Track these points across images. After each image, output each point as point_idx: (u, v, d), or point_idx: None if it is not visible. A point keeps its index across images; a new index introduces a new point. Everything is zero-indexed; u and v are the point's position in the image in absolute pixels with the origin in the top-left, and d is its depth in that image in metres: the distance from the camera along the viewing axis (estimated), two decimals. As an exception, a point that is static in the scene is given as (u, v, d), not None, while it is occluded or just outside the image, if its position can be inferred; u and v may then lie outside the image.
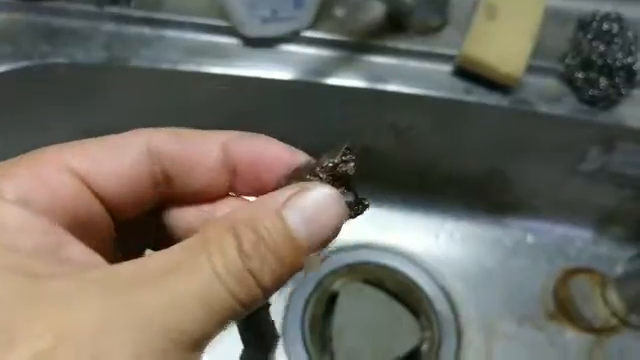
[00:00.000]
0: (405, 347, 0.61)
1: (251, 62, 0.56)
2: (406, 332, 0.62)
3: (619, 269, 0.62)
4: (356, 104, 0.58)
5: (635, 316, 0.61)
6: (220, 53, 0.56)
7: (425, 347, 0.62)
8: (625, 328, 0.62)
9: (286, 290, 0.64)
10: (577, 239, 0.68)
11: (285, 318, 0.62)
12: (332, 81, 0.57)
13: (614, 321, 0.63)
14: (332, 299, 0.64)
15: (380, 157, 0.63)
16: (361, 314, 0.63)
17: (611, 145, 0.55)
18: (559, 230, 0.68)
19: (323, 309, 0.64)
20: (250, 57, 0.57)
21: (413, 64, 0.57)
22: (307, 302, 0.64)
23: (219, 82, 0.57)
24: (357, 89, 0.57)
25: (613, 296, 0.63)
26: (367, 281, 0.66)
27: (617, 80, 0.50)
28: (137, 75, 0.56)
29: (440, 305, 0.64)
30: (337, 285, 0.66)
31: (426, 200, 0.68)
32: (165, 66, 0.56)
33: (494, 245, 0.68)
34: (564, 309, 0.64)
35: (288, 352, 0.60)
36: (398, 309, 0.63)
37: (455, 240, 0.68)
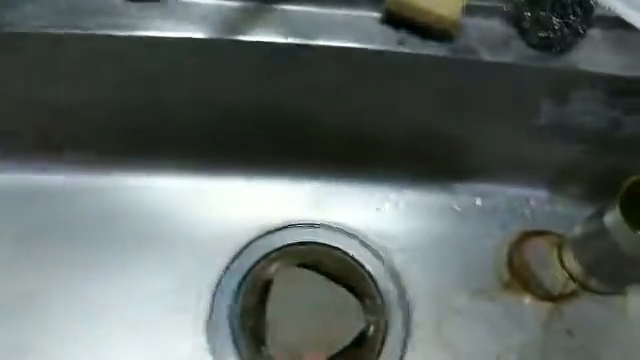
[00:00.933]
0: (350, 334, 0.54)
1: (142, 20, 0.46)
2: (350, 317, 0.55)
3: (577, 230, 0.57)
4: (274, 62, 0.49)
5: (595, 280, 0.57)
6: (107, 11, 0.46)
7: (371, 331, 0.56)
8: (584, 293, 0.58)
9: (209, 281, 0.56)
10: (531, 199, 0.62)
11: (210, 314, 0.55)
12: (244, 37, 0.47)
13: (573, 286, 0.58)
14: (265, 288, 0.57)
15: (307, 123, 0.55)
16: (298, 302, 0.55)
17: (566, 94, 0.48)
18: (511, 191, 0.62)
19: (255, 300, 0.57)
20: (141, 14, 0.47)
21: (336, 13, 0.48)
22: (236, 294, 0.56)
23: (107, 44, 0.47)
24: (274, 45, 0.48)
25: (571, 259, 0.57)
26: (303, 264, 0.58)
27: (572, 18, 0.43)
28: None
29: (385, 284, 0.58)
30: (269, 272, 0.58)
31: (364, 169, 0.61)
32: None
33: (442, 213, 0.61)
34: (520, 276, 0.58)
35: (216, 353, 0.53)
36: (340, 292, 0.56)
37: (399, 211, 0.61)
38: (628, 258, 0.50)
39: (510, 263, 0.59)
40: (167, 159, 0.60)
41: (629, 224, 0.48)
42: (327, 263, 0.59)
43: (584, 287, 0.58)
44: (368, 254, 0.59)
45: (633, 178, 0.49)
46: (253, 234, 0.59)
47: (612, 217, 0.50)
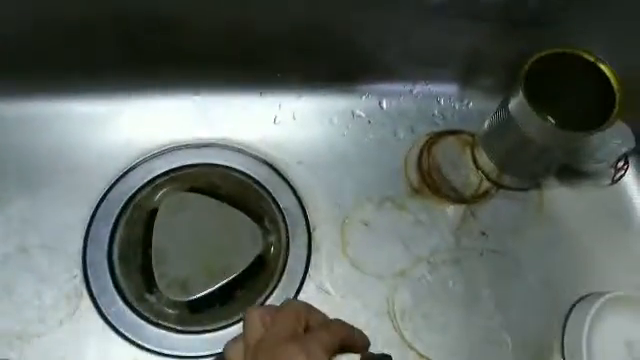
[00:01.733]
0: (245, 260, 0.49)
1: None
2: (246, 242, 0.50)
3: (486, 124, 0.52)
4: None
5: (508, 176, 0.52)
6: None
7: (271, 253, 0.51)
8: (498, 192, 0.54)
9: (84, 213, 0.50)
10: (440, 97, 0.57)
11: (84, 250, 0.48)
12: None
13: (486, 185, 0.54)
14: (151, 218, 0.51)
15: (180, 30, 0.47)
16: (188, 229, 0.50)
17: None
18: (418, 89, 0.56)
19: (140, 232, 0.51)
20: None
21: None
22: (115, 225, 0.50)
23: None
24: None
25: (484, 157, 0.53)
26: (194, 189, 0.53)
27: None
28: None
29: (285, 201, 0.53)
30: (155, 199, 0.52)
31: (255, 78, 0.54)
32: None
33: (344, 119, 0.55)
34: (430, 181, 0.54)
35: (93, 294, 0.47)
36: (235, 216, 0.51)
37: (297, 121, 0.55)
38: (539, 147, 0.46)
39: (420, 167, 0.54)
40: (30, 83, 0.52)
41: (533, 108, 0.43)
42: (221, 185, 0.53)
43: (498, 185, 0.54)
44: (265, 171, 0.53)
45: (534, 57, 0.44)
46: (133, 158, 0.52)
47: (516, 103, 0.45)
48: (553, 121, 0.44)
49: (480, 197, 0.54)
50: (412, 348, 0.47)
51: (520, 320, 0.49)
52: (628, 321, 0.48)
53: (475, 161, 0.55)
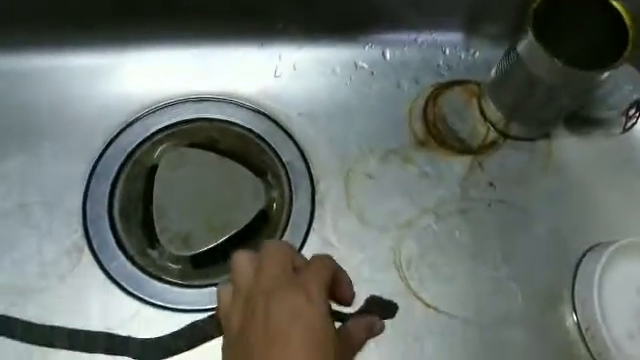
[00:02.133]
0: (248, 215, 0.48)
1: None
2: (248, 197, 0.49)
3: (494, 71, 0.50)
4: None
5: (516, 124, 0.51)
6: None
7: (274, 208, 0.50)
8: (506, 142, 0.52)
9: (82, 170, 0.49)
10: (445, 46, 0.55)
11: (84, 206, 0.48)
12: None
13: (493, 135, 0.53)
14: (151, 173, 0.50)
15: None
16: (189, 185, 0.49)
17: None
18: (422, 38, 0.55)
19: (140, 188, 0.50)
20: None
21: None
22: (114, 181, 0.49)
23: None
24: None
25: (491, 106, 0.52)
26: (194, 144, 0.51)
27: None
28: None
29: (288, 155, 0.51)
30: (155, 155, 0.51)
31: (254, 29, 0.52)
32: None
33: (346, 70, 0.54)
34: (436, 132, 0.53)
35: (94, 249, 0.47)
36: (236, 171, 0.50)
37: (298, 73, 0.54)
38: (548, 90, 0.45)
39: (425, 119, 0.53)
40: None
41: (542, 46, 0.42)
42: (221, 140, 0.52)
43: (505, 135, 0.52)
44: (266, 124, 0.52)
45: (543, -6, 0.42)
46: (131, 113, 0.51)
47: (525, 44, 0.44)
48: (563, 60, 0.42)
49: (487, 148, 0.52)
50: (418, 298, 0.47)
51: (529, 270, 0.48)
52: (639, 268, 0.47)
53: (482, 111, 0.53)
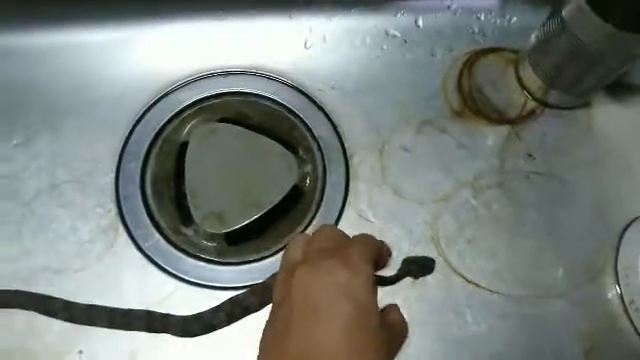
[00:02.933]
0: (280, 191, 0.47)
1: None
2: (280, 172, 0.48)
3: (533, 38, 0.48)
4: None
5: (556, 92, 0.49)
6: None
7: (307, 184, 0.49)
8: (545, 111, 0.51)
9: (113, 148, 0.48)
10: (479, 12, 0.53)
11: (117, 184, 0.47)
12: None
13: (532, 104, 0.51)
14: (181, 150, 0.49)
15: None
16: (220, 161, 0.48)
17: None
18: (456, 4, 0.52)
19: (171, 166, 0.49)
20: None
21: None
22: (145, 159, 0.48)
23: None
24: None
25: (529, 74, 0.50)
26: (224, 120, 0.50)
27: None
28: None
29: (320, 129, 0.50)
30: (184, 131, 0.50)
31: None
32: None
33: (378, 40, 0.52)
34: (472, 102, 0.51)
35: (129, 228, 0.46)
36: (268, 146, 0.48)
37: (328, 44, 0.52)
38: (594, 56, 0.43)
39: (460, 88, 0.51)
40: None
41: (592, 9, 0.40)
42: (252, 115, 0.51)
43: (544, 104, 0.51)
44: (298, 98, 0.51)
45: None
46: (159, 90, 0.50)
47: (573, 8, 0.42)
48: (613, 24, 0.40)
49: (525, 118, 0.51)
50: (458, 274, 0.46)
51: (570, 244, 0.47)
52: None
53: (519, 79, 0.51)
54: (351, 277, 0.30)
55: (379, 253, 0.34)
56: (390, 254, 0.36)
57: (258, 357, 0.30)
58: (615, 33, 0.40)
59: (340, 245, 0.33)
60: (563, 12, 0.43)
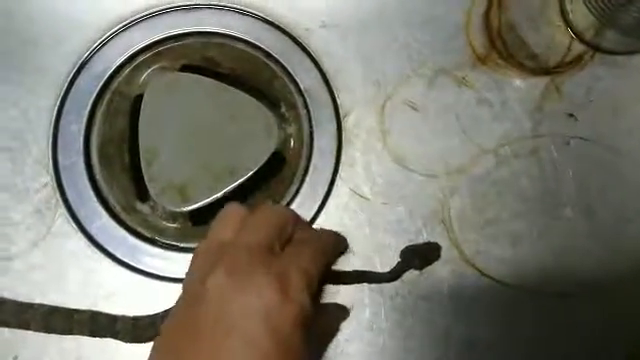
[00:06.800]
0: (258, 157, 0.38)
1: None
2: (257, 135, 0.39)
3: (587, -41, 0.37)
4: None
5: (612, 33, 0.38)
6: None
7: (292, 148, 0.40)
8: (594, 58, 0.40)
9: (48, 102, 0.39)
10: None
11: (54, 151, 0.38)
12: None
13: (579, 48, 0.40)
14: (134, 107, 0.40)
15: None
16: (182, 120, 0.39)
17: None
18: None
19: (123, 125, 0.40)
20: None
21: None
22: (89, 118, 0.39)
23: None
24: None
25: (578, 7, 0.38)
26: (187, 67, 0.41)
27: None
28: None
29: (307, 79, 0.40)
30: (138, 82, 0.41)
31: None
32: None
33: (382, -38, 0.41)
34: (502, 44, 0.40)
35: (71, 206, 0.38)
36: (241, 101, 0.39)
37: (318, -33, 0.41)
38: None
39: (487, 27, 0.40)
40: None
41: None
42: (220, 61, 0.41)
43: (595, 48, 0.40)
44: (279, 39, 0.40)
45: None
46: (104, 29, 0.40)
47: None
48: None
49: (569, 65, 0.40)
50: (472, 265, 0.37)
51: (616, 230, 0.38)
52: None
53: (564, 15, 0.40)
54: (281, 304, 0.26)
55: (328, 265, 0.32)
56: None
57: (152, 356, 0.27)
58: None
59: (278, 246, 0.29)
60: None
